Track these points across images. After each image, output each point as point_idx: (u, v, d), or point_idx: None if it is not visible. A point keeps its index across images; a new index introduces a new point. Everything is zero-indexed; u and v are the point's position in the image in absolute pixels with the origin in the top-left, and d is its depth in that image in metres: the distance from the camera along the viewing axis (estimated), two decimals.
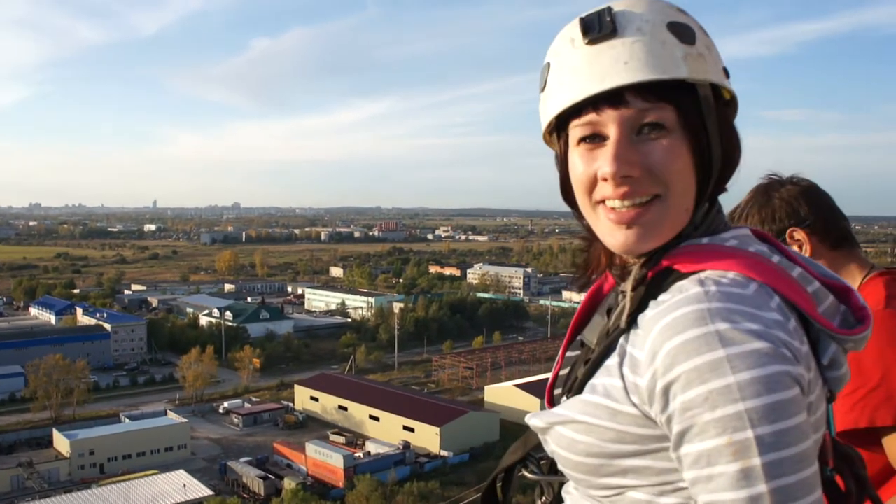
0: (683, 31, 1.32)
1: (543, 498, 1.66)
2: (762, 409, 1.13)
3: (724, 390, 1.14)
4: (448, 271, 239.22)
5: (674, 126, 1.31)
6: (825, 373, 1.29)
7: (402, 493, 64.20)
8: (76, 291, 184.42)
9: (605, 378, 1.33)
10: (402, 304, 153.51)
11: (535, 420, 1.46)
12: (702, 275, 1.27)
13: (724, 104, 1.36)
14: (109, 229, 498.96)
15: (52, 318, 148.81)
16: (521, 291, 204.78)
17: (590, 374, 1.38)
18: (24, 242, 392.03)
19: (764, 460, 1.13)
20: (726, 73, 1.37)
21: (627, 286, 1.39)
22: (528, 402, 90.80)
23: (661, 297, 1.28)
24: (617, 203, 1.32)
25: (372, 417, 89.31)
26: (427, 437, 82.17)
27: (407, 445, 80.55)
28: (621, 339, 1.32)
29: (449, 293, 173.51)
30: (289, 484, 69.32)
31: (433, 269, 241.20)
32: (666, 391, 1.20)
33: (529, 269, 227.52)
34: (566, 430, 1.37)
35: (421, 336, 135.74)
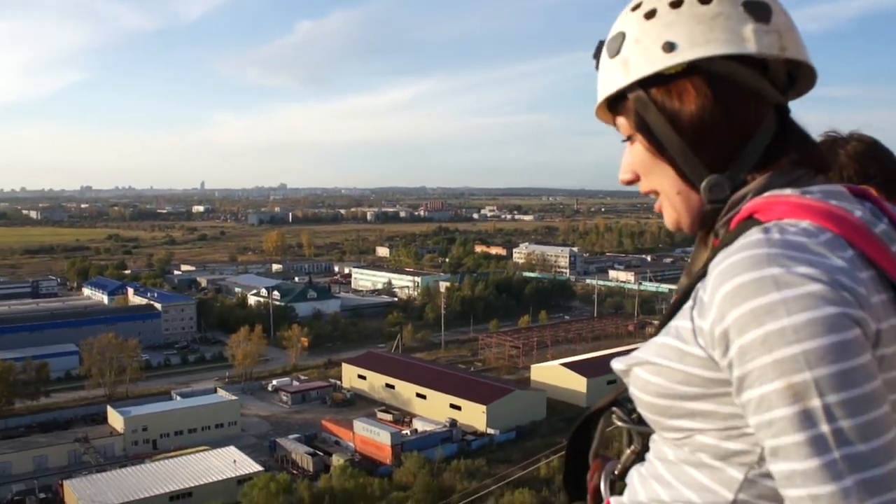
0: (610, 46, 1.50)
1: (632, 447, 1.69)
2: (819, 351, 1.13)
3: (779, 332, 1.15)
4: (494, 251, 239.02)
5: (631, 130, 1.51)
6: None
7: (448, 470, 64.53)
8: (127, 272, 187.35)
9: (679, 321, 1.36)
10: (448, 284, 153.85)
11: (617, 364, 1.49)
12: (772, 222, 1.29)
13: (683, 74, 1.41)
14: (159, 211, 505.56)
15: (105, 298, 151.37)
16: (567, 270, 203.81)
17: (669, 318, 1.42)
18: (77, 224, 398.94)
19: (823, 402, 1.12)
20: (669, 46, 1.40)
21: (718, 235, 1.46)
22: (574, 380, 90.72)
23: (733, 245, 1.29)
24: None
25: (419, 395, 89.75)
26: (474, 416, 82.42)
27: (454, 423, 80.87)
28: (698, 285, 1.34)
29: (495, 272, 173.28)
30: (337, 460, 70.04)
31: (479, 249, 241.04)
32: (724, 336, 1.22)
33: (575, 249, 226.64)
34: (642, 371, 1.41)
35: (467, 315, 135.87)
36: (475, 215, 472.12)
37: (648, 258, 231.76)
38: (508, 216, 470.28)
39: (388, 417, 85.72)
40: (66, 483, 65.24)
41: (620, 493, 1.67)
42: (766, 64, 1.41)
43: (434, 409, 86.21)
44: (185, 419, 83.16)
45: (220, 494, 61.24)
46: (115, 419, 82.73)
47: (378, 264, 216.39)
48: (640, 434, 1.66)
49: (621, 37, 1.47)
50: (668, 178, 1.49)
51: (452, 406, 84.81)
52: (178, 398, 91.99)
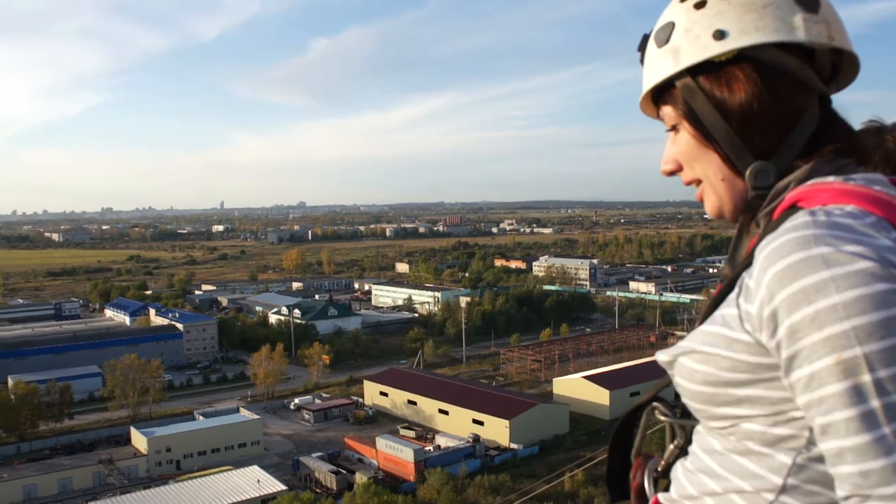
0: (658, 36, 1.56)
1: (676, 441, 1.71)
2: (869, 327, 1.15)
3: (829, 309, 1.17)
4: (514, 264, 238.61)
5: (678, 119, 1.56)
6: None
7: (472, 485, 64.20)
8: (148, 292, 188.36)
9: (725, 309, 1.39)
10: (468, 298, 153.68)
11: (661, 356, 1.52)
12: (817, 207, 1.33)
13: (732, 62, 1.46)
14: (179, 231, 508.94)
15: (127, 319, 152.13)
16: (588, 283, 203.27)
17: (714, 307, 1.45)
18: (98, 246, 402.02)
19: (874, 377, 1.14)
20: (719, 34, 1.45)
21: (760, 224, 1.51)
22: (597, 393, 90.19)
23: (779, 229, 1.32)
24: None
25: (441, 411, 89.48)
26: (496, 430, 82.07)
27: (477, 438, 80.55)
28: (744, 273, 1.37)
29: (515, 286, 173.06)
30: (360, 478, 69.84)
31: (498, 263, 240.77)
32: (773, 316, 1.25)
33: (595, 261, 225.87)
34: (687, 360, 1.44)
35: (488, 330, 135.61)
36: (494, 229, 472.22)
37: (669, 269, 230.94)
38: (527, 229, 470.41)
39: (411, 434, 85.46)
40: None
41: (665, 490, 1.68)
42: (813, 54, 1.46)
43: (457, 424, 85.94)
44: (209, 439, 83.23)
45: None
46: (139, 440, 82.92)
47: (398, 280, 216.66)
48: (683, 428, 1.68)
49: (671, 26, 1.51)
50: (714, 165, 1.52)
51: (475, 421, 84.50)
52: (201, 418, 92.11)
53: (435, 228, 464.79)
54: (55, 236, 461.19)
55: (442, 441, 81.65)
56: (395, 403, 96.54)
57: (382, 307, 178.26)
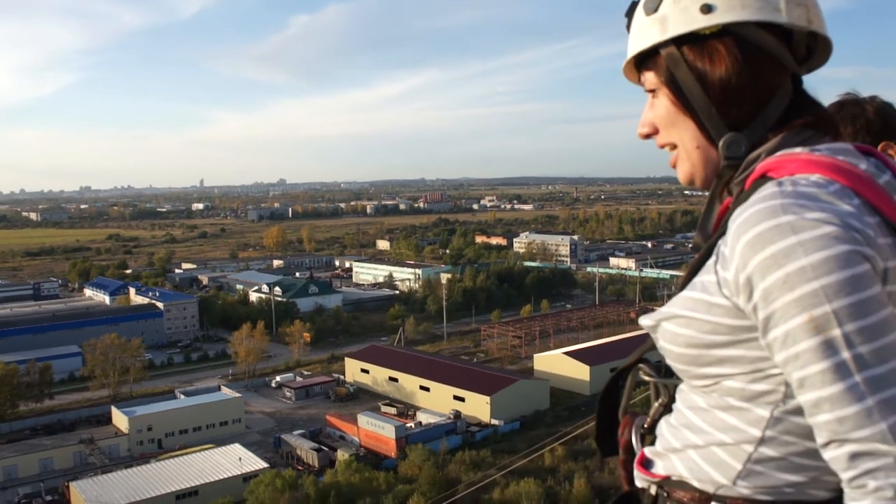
0: (648, 5, 1.61)
1: (660, 399, 1.81)
2: (836, 285, 1.25)
3: (799, 271, 1.27)
4: (494, 241, 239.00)
5: (658, 85, 1.63)
6: None
7: (454, 461, 64.49)
8: (128, 272, 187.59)
9: (704, 275, 1.49)
10: (449, 275, 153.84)
11: (645, 320, 1.60)
12: (784, 177, 1.41)
13: (716, 36, 1.53)
14: (158, 210, 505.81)
15: (107, 299, 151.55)
16: (568, 259, 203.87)
17: (693, 274, 1.54)
18: (77, 225, 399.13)
19: (843, 330, 1.24)
20: (706, 8, 1.52)
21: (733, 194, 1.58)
22: (577, 369, 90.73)
23: (749, 199, 1.40)
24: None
25: (422, 388, 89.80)
26: (477, 407, 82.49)
27: (458, 415, 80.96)
28: (720, 241, 1.46)
29: (496, 263, 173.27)
30: (342, 455, 70.06)
31: (479, 239, 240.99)
32: (748, 282, 1.34)
33: (576, 237, 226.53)
34: (670, 324, 1.54)
35: (469, 306, 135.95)
36: (475, 206, 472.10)
37: (649, 244, 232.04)
38: (508, 206, 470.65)
39: (392, 411, 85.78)
40: (73, 485, 65.25)
41: (651, 445, 1.78)
42: (791, 35, 1.53)
43: (438, 401, 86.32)
44: (190, 418, 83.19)
45: (226, 492, 61.13)
46: (120, 419, 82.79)
47: (379, 258, 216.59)
48: (667, 387, 1.78)
49: None
50: (689, 133, 1.60)
51: (456, 398, 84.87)
52: (182, 397, 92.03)
53: (416, 205, 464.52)
54: (33, 216, 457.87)
55: (423, 418, 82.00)
56: (376, 380, 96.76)
57: (363, 284, 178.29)
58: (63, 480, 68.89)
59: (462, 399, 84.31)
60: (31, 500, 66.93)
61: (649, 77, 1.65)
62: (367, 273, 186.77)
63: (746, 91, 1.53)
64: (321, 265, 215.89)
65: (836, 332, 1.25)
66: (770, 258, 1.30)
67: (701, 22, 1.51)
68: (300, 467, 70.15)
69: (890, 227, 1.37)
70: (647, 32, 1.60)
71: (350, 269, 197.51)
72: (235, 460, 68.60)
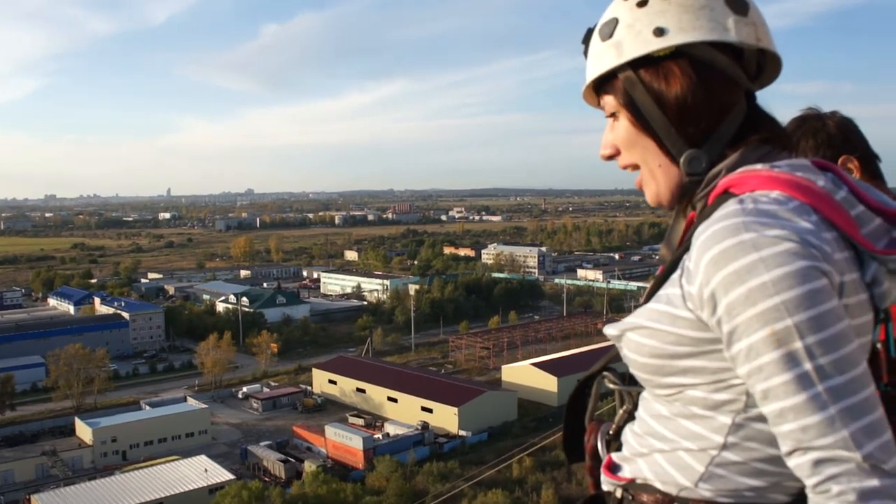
0: (603, 31, 1.66)
1: (624, 406, 1.86)
2: (796, 300, 1.30)
3: (760, 287, 1.32)
4: (462, 252, 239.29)
5: (618, 108, 1.67)
6: (871, 289, 1.45)
7: (421, 473, 64.58)
8: (93, 281, 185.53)
9: (669, 288, 1.53)
10: (417, 286, 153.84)
11: (610, 330, 1.65)
12: (746, 194, 1.46)
13: (670, 57, 1.57)
14: (124, 219, 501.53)
15: (71, 309, 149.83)
16: (536, 270, 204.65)
17: (658, 286, 1.59)
18: (41, 234, 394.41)
19: (804, 343, 1.30)
20: (659, 31, 1.56)
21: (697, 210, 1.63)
22: (544, 380, 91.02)
23: (712, 216, 1.45)
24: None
25: (390, 399, 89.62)
26: (445, 418, 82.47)
27: (425, 426, 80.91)
28: (685, 256, 1.51)
29: (464, 274, 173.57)
30: (309, 466, 69.76)
31: (448, 251, 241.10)
32: (712, 297, 1.39)
33: (544, 248, 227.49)
34: (635, 335, 1.58)
35: (437, 317, 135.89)
36: (443, 217, 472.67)
37: (616, 256, 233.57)
38: (476, 217, 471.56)
39: (360, 422, 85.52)
40: (34, 497, 64.27)
41: (617, 451, 1.82)
42: (742, 53, 1.58)
43: (406, 412, 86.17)
44: (155, 429, 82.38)
45: None
46: (84, 431, 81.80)
47: (347, 268, 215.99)
48: (631, 394, 1.84)
49: (614, 22, 1.61)
50: (651, 152, 1.64)
51: (424, 409, 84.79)
52: (148, 408, 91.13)
53: (384, 216, 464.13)
54: None
55: (391, 429, 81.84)
56: (343, 391, 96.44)
57: (331, 295, 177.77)
58: (24, 493, 67.72)
59: (430, 410, 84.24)
60: None
61: (608, 100, 1.69)
62: (334, 284, 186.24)
63: (702, 108, 1.57)
64: (289, 276, 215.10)
65: (798, 345, 1.30)
66: (732, 274, 1.34)
67: (655, 44, 1.55)
68: (267, 479, 69.65)
69: (847, 241, 1.41)
70: (603, 57, 1.64)
71: (318, 280, 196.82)
72: (201, 472, 68.02)
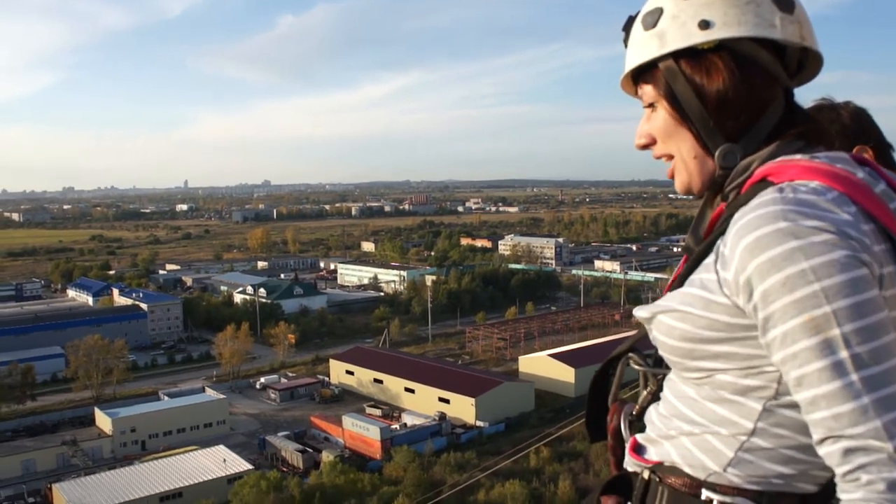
0: (646, 20, 1.67)
1: (648, 387, 1.88)
2: (835, 287, 1.30)
3: (799, 274, 1.32)
4: (479, 243, 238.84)
5: (657, 98, 1.68)
6: None
7: (439, 463, 64.67)
8: (112, 273, 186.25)
9: (703, 273, 1.54)
10: (434, 277, 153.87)
11: (640, 312, 1.67)
12: (785, 183, 1.47)
13: (713, 51, 1.59)
14: (142, 210, 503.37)
15: (90, 300, 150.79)
16: (553, 261, 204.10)
17: (691, 271, 1.61)
18: (59, 226, 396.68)
19: (842, 331, 1.29)
20: (704, 24, 1.58)
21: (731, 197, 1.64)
22: (562, 371, 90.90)
23: (750, 203, 1.47)
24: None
25: (407, 390, 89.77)
26: (462, 408, 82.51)
27: (443, 417, 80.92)
28: (718, 241, 1.53)
29: (481, 265, 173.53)
30: (327, 457, 69.96)
31: (464, 242, 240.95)
32: (748, 283, 1.39)
33: (561, 239, 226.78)
34: (666, 318, 1.59)
35: (454, 308, 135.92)
36: (460, 208, 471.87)
37: (634, 247, 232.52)
38: (493, 208, 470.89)
39: (377, 412, 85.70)
40: (56, 486, 64.91)
41: (640, 432, 1.84)
42: (785, 50, 1.60)
43: (423, 402, 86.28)
44: (174, 419, 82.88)
45: (210, 494, 60.90)
46: (103, 421, 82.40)
47: (364, 259, 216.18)
48: (655, 376, 1.85)
49: (659, 12, 1.63)
50: (687, 144, 1.66)
51: (441, 399, 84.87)
52: (166, 398, 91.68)
53: (401, 207, 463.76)
54: (15, 216, 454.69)
55: (408, 419, 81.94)
56: (361, 382, 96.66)
57: (348, 286, 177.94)
58: (46, 482, 68.45)
59: (447, 401, 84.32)
60: (13, 501, 66.54)
61: (647, 90, 1.71)
62: (351, 275, 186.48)
63: (742, 103, 1.58)
64: (306, 267, 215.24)
65: (835, 332, 1.29)
66: (769, 262, 1.35)
67: (699, 37, 1.57)
68: (285, 469, 69.99)
69: (885, 234, 1.42)
70: (645, 47, 1.66)
71: (335, 271, 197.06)
72: (220, 462, 68.42)
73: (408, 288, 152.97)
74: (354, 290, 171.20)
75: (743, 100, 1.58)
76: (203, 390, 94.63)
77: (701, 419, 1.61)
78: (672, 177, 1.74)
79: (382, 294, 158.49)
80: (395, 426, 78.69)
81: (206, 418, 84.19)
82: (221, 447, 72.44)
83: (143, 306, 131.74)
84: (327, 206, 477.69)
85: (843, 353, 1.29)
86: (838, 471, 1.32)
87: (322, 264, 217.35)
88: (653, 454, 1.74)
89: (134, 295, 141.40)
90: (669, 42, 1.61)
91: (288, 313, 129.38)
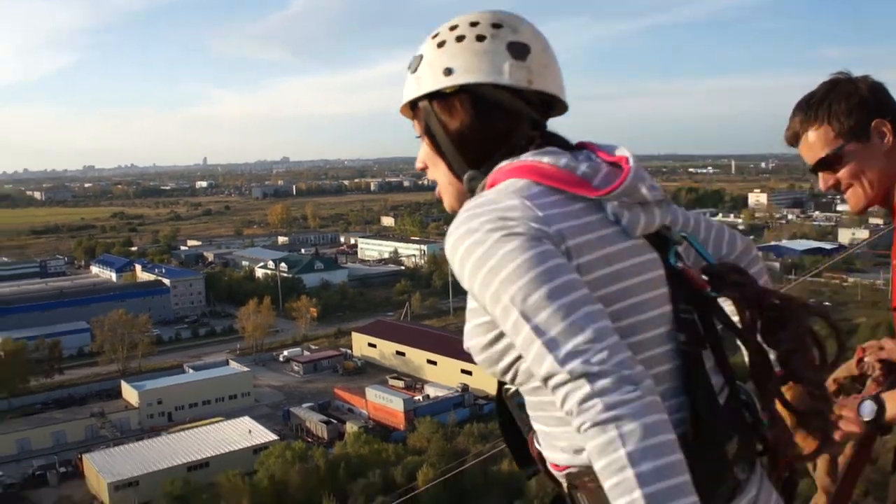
0: (412, 64, 1.89)
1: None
2: (518, 269, 1.50)
3: (489, 272, 1.53)
4: None
5: (420, 131, 1.92)
6: (621, 224, 1.66)
7: (462, 434, 65.00)
8: (134, 249, 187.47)
9: None
10: None
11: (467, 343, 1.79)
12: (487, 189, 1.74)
13: (456, 93, 1.80)
14: (162, 187, 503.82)
15: (113, 276, 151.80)
16: None
17: None
18: (81, 204, 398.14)
19: (530, 302, 1.47)
20: (448, 71, 1.79)
21: None
22: None
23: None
24: None
25: (429, 362, 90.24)
26: (485, 380, 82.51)
27: (465, 388, 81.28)
28: None
29: None
30: (351, 428, 70.68)
31: None
32: (462, 282, 1.61)
33: None
34: (468, 340, 1.74)
35: None
36: None
37: None
38: None
39: (400, 384, 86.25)
40: (86, 457, 66.08)
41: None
42: (522, 91, 1.78)
43: (445, 374, 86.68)
44: (199, 391, 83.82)
45: (236, 464, 61.51)
46: (130, 393, 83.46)
47: (384, 234, 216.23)
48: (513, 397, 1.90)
49: (420, 58, 1.85)
50: (443, 172, 1.89)
51: (463, 371, 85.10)
52: (191, 371, 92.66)
53: (420, 182, 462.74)
54: (37, 194, 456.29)
55: (431, 391, 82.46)
56: (383, 354, 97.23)
57: (369, 260, 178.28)
58: (76, 453, 69.62)
59: (469, 373, 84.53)
60: (45, 471, 67.68)
61: (415, 124, 1.94)
62: (372, 249, 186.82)
63: (480, 137, 1.79)
64: (326, 242, 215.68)
65: (521, 307, 1.48)
66: (457, 264, 1.58)
67: (444, 82, 1.78)
68: (309, 439, 70.72)
69: (592, 208, 1.65)
70: (409, 87, 1.87)
71: (355, 246, 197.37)
72: (245, 433, 69.29)
73: (428, 262, 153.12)
74: (375, 264, 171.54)
75: (480, 134, 1.79)
76: (227, 363, 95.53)
77: (545, 416, 1.72)
78: (440, 197, 1.95)
79: (403, 268, 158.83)
80: (418, 398, 79.24)
81: (231, 390, 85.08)
82: (246, 418, 73.28)
83: (166, 282, 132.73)
84: (346, 182, 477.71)
85: (537, 319, 1.46)
86: (572, 421, 1.45)
87: (342, 239, 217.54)
88: (559, 461, 1.75)
89: (156, 270, 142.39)
90: (424, 85, 1.82)
91: (309, 287, 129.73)
